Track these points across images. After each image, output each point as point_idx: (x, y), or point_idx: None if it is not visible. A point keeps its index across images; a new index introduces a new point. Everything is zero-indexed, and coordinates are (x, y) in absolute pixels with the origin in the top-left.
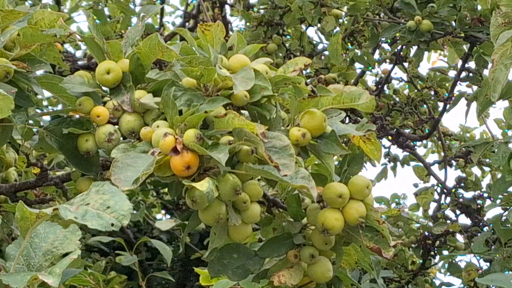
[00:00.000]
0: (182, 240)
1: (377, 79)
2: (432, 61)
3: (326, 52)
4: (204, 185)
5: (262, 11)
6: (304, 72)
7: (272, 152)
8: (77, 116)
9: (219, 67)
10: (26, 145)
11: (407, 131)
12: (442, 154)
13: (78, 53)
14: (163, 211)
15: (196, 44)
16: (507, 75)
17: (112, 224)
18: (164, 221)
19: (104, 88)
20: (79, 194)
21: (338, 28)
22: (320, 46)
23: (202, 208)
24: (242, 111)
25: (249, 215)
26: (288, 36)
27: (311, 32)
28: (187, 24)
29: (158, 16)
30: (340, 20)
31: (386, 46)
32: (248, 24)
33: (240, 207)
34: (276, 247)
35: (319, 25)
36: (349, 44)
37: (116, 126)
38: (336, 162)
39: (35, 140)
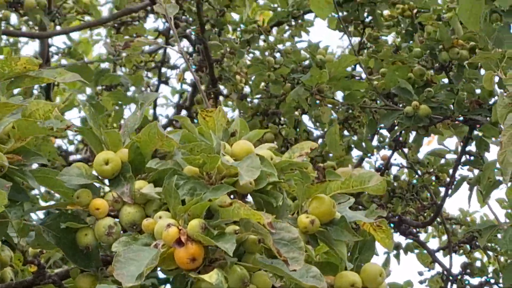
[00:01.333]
0: None
1: (377, 165)
2: (428, 139)
3: (321, 140)
4: (212, 277)
5: (256, 101)
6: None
7: (280, 244)
8: (75, 209)
9: (223, 154)
10: (21, 242)
11: (409, 217)
12: (444, 238)
13: (71, 148)
14: None
15: (197, 131)
16: None
17: None
18: None
19: (103, 179)
20: None
21: (334, 114)
22: (315, 133)
23: None
24: (247, 199)
25: None
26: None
27: (306, 118)
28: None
29: (151, 108)
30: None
31: (384, 131)
32: (243, 114)
33: None
34: None
35: (314, 112)
36: (345, 130)
37: (116, 219)
38: None
39: (31, 236)
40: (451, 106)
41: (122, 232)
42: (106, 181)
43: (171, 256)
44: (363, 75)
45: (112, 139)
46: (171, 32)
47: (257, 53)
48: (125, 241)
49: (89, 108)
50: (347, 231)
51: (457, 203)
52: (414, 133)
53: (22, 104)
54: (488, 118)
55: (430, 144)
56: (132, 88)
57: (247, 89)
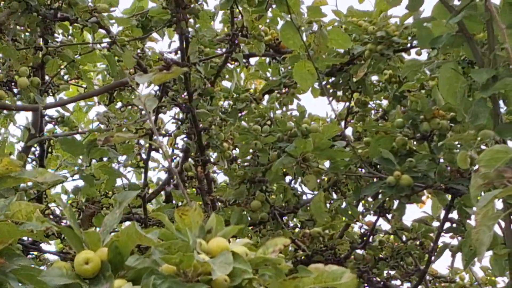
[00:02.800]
0: None
1: (362, 230)
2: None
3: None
4: None
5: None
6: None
7: None
8: None
9: (198, 252)
10: None
11: (394, 282)
12: None
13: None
14: None
15: (175, 228)
16: (491, 236)
17: None
18: None
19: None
20: None
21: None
22: (304, 196)
23: None
24: None
25: None
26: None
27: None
28: (172, 180)
29: (143, 173)
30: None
31: (370, 198)
32: (231, 181)
33: None
34: None
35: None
36: (333, 194)
37: None
38: None
39: None
40: (433, 175)
41: None
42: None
43: None
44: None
45: (92, 238)
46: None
47: (244, 123)
48: None
49: (69, 208)
50: None
51: (446, 261)
52: (397, 201)
53: (4, 205)
54: (468, 188)
55: (422, 207)
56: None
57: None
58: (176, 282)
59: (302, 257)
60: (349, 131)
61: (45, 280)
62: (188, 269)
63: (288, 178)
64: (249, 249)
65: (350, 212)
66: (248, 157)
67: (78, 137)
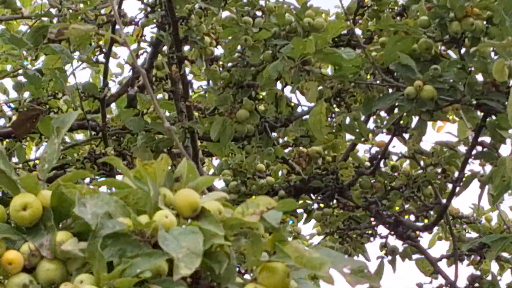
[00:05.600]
0: None
1: (372, 153)
2: (438, 126)
3: (308, 116)
4: None
5: (228, 69)
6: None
7: None
8: None
9: (160, 209)
10: None
11: (408, 218)
12: (451, 242)
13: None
14: None
15: (133, 175)
16: None
17: None
18: None
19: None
20: None
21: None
22: (299, 109)
23: None
24: None
25: None
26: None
27: (289, 90)
28: (136, 81)
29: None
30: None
31: (382, 112)
32: (213, 84)
33: None
34: None
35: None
36: (336, 106)
37: (32, 276)
38: None
39: None
40: (462, 87)
41: None
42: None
43: None
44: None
45: (27, 184)
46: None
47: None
48: None
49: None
50: None
51: (470, 199)
52: (417, 117)
53: None
54: (505, 107)
55: (440, 131)
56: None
57: (218, 53)
58: (131, 244)
59: (296, 182)
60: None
61: None
62: (146, 228)
63: (281, 85)
64: (223, 206)
65: (357, 130)
66: (235, 55)
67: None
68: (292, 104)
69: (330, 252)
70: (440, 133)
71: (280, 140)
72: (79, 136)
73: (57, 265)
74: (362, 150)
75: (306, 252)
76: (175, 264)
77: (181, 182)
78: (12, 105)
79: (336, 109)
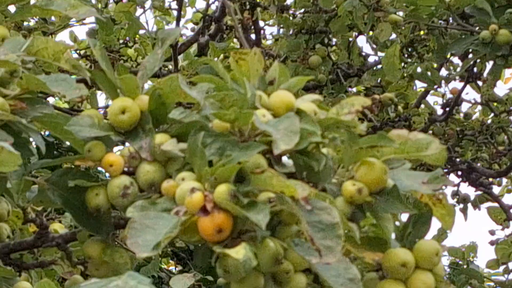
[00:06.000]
0: None
1: (444, 100)
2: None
3: (380, 66)
4: (240, 253)
5: (299, 15)
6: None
7: (316, 229)
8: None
9: (257, 108)
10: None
11: (481, 165)
12: None
13: None
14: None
15: (230, 77)
16: None
17: None
18: (180, 276)
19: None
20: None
21: (394, 35)
22: (372, 59)
23: (236, 279)
24: (285, 161)
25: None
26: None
27: (362, 41)
28: (207, 30)
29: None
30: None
31: (455, 59)
32: (285, 31)
33: (281, 279)
34: None
35: (371, 33)
36: (407, 56)
37: (133, 178)
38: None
39: (33, 191)
40: None
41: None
42: None
43: (194, 226)
44: None
45: (128, 85)
46: None
47: None
48: (141, 205)
49: (100, 49)
50: (399, 202)
51: None
52: (491, 63)
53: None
54: None
55: (507, 83)
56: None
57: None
58: (230, 142)
59: (368, 129)
60: None
61: (72, 130)
62: (244, 127)
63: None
64: (318, 107)
65: (430, 78)
66: (308, 1)
67: None
68: (364, 54)
69: (408, 172)
70: (508, 84)
71: (355, 90)
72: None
73: (157, 166)
74: (434, 99)
75: (410, 135)
76: (274, 142)
77: (274, 85)
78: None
79: (408, 60)
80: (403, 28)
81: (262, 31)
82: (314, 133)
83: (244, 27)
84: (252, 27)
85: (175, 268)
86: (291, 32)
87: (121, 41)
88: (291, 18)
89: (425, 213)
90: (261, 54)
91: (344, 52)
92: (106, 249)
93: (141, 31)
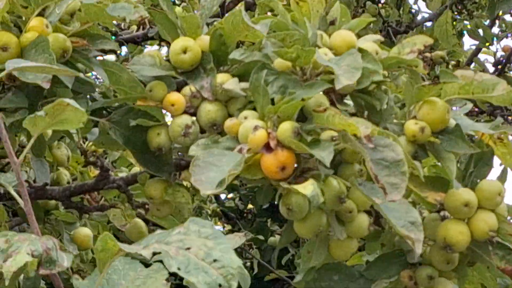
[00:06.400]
0: (255, 258)
1: (496, 58)
2: None
3: (428, 24)
4: (308, 188)
5: None
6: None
7: (380, 166)
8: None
9: (319, 47)
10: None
11: None
12: None
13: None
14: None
15: (290, 17)
16: None
17: (220, 285)
18: (231, 236)
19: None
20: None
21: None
22: (419, 17)
23: (300, 218)
24: (346, 101)
25: (355, 227)
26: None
27: None
28: None
29: None
30: None
31: (507, 17)
32: None
33: (344, 218)
34: (386, 266)
35: None
36: (457, 13)
37: (194, 117)
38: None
39: (94, 133)
40: None
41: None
42: None
43: (257, 163)
44: None
45: (190, 24)
46: None
47: None
48: (204, 144)
49: None
50: (462, 141)
51: None
52: None
53: None
54: None
55: None
56: None
57: None
58: (291, 80)
59: None
60: None
61: (134, 69)
62: (306, 66)
63: None
64: (379, 48)
65: (481, 35)
66: None
67: None
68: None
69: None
70: None
71: None
72: None
73: (218, 106)
74: (485, 57)
75: (476, 76)
76: (336, 76)
77: (335, 26)
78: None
79: (457, 17)
80: None
81: None
82: (376, 71)
83: None
84: None
85: (223, 228)
86: None
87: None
88: None
89: (487, 152)
90: None
91: (394, 9)
92: (168, 188)
93: None
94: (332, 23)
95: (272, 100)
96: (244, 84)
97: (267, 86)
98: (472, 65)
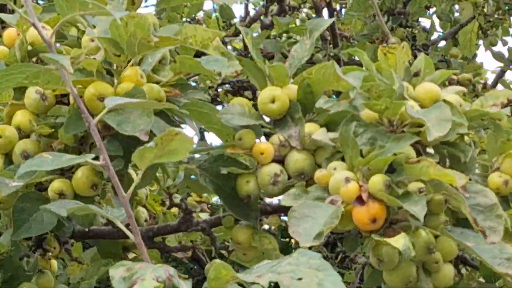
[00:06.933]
0: None
1: None
2: None
3: (442, 44)
4: (399, 242)
5: None
6: None
7: (475, 211)
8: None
9: (405, 99)
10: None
11: None
12: None
13: None
14: None
15: (375, 68)
16: None
17: None
18: None
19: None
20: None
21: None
22: (434, 35)
23: (390, 268)
24: (428, 150)
25: (441, 277)
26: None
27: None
28: (269, 9)
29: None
30: None
31: None
32: (363, 14)
33: (431, 268)
34: None
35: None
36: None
37: (281, 166)
38: None
39: (180, 177)
40: None
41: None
42: None
43: (348, 215)
44: None
45: (278, 74)
46: None
47: None
48: (295, 193)
49: (251, 37)
50: None
51: None
52: None
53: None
54: None
55: None
56: None
57: None
58: (379, 132)
59: None
60: None
61: (224, 118)
62: (393, 117)
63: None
64: (463, 99)
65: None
66: None
67: None
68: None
69: None
70: None
71: None
72: None
73: (306, 155)
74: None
75: None
76: (427, 129)
77: (420, 77)
78: None
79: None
80: (483, 8)
81: (336, 13)
82: (461, 124)
83: (316, 8)
84: (323, 8)
85: None
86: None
87: (185, 19)
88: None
89: None
90: (408, 47)
91: (422, 32)
92: (255, 234)
93: (206, 8)
94: (416, 74)
95: (360, 151)
96: (333, 134)
97: (356, 138)
98: (499, 86)
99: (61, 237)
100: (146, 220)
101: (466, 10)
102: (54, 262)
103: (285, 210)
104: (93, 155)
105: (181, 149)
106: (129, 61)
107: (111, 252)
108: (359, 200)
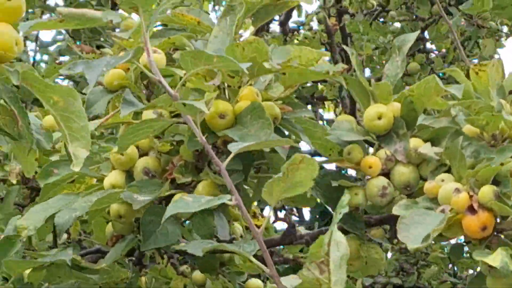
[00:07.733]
0: None
1: None
2: None
3: None
4: (496, 260)
5: (397, 24)
6: None
7: None
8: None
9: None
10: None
11: None
12: None
13: None
14: None
15: (471, 85)
16: None
17: None
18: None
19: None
20: None
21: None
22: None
23: (499, 276)
24: None
25: None
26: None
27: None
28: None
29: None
30: None
31: None
32: (380, 38)
33: None
34: None
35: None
36: None
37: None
38: None
39: None
40: None
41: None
42: None
43: (457, 223)
44: None
45: (382, 91)
46: None
47: None
48: (405, 204)
49: (357, 56)
50: None
51: None
52: None
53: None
54: None
55: None
56: None
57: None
58: (482, 146)
59: None
60: None
61: (333, 134)
62: (494, 131)
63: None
64: None
65: None
66: (403, 10)
67: None
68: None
69: None
70: None
71: None
72: None
73: (411, 168)
74: None
75: None
76: None
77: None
78: None
79: None
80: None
81: (349, 38)
82: None
83: (328, 33)
84: (335, 33)
85: None
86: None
87: None
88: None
89: None
90: (501, 65)
91: (440, 59)
92: (362, 245)
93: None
94: (511, 92)
95: None
96: (437, 148)
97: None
98: None
99: (166, 252)
100: (241, 236)
101: (488, 47)
102: (143, 279)
103: (388, 222)
104: (229, 196)
105: (307, 179)
106: (242, 81)
107: (209, 266)
108: (470, 209)
